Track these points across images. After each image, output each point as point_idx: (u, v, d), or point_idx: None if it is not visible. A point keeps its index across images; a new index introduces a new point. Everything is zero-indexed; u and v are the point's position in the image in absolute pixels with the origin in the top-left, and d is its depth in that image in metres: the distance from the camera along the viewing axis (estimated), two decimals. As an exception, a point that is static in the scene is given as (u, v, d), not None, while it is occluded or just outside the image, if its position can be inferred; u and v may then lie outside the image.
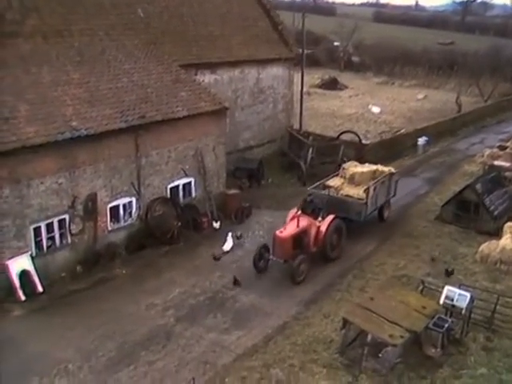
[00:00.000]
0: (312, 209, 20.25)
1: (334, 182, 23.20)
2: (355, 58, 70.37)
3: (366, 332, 14.53)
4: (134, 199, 20.85)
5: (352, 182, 22.94)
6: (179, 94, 22.49)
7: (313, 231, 19.78)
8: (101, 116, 19.48)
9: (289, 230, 19.26)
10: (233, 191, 24.62)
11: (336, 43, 71.85)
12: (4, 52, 19.81)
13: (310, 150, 29.57)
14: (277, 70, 32.15)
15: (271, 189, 27.42)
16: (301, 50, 34.62)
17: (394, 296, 15.74)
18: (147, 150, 20.85)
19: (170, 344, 15.63)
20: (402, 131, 37.78)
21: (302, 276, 18.91)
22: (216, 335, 16.06)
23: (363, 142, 32.24)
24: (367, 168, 23.69)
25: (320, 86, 55.66)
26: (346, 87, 56.61)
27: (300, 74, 34.75)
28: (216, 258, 20.46)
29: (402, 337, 14.05)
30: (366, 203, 21.79)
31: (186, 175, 22.64)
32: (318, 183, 22.94)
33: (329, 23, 74.42)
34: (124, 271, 19.46)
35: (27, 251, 17.88)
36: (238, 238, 21.71)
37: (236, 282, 18.55)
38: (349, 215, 21.54)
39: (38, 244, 18.32)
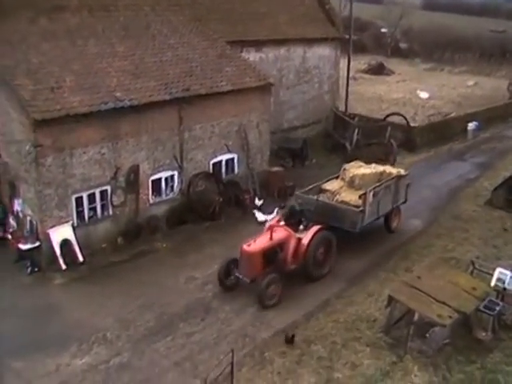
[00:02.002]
0: (299, 218, 17.45)
1: (332, 185, 19.93)
2: (403, 44, 68.80)
3: (412, 311, 13.93)
4: (176, 173, 20.64)
5: (352, 185, 19.58)
6: (224, 69, 22.13)
7: (291, 245, 16.58)
8: (145, 88, 19.32)
9: (259, 243, 16.18)
10: (276, 169, 24.25)
11: (383, 29, 70.35)
12: (52, 25, 19.88)
13: (356, 131, 28.82)
14: (323, 50, 31.37)
15: (315, 169, 26.80)
16: (347, 36, 33.79)
17: (443, 276, 15.10)
18: (190, 124, 20.60)
19: (208, 317, 15.44)
20: (452, 114, 36.59)
21: (274, 299, 15.82)
22: (255, 310, 15.74)
23: (411, 124, 31.30)
24: (372, 170, 20.21)
25: (366, 71, 54.61)
26: (393, 73, 55.35)
27: (346, 60, 34.04)
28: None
29: (450, 317, 13.44)
30: (363, 211, 18.43)
31: (229, 151, 22.30)
32: (312, 186, 19.68)
33: (376, 10, 72.77)
34: (164, 245, 19.35)
35: (69, 221, 17.89)
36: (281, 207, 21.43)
37: (288, 339, 14.44)
38: (343, 225, 18.29)
39: (80, 214, 18.30)
